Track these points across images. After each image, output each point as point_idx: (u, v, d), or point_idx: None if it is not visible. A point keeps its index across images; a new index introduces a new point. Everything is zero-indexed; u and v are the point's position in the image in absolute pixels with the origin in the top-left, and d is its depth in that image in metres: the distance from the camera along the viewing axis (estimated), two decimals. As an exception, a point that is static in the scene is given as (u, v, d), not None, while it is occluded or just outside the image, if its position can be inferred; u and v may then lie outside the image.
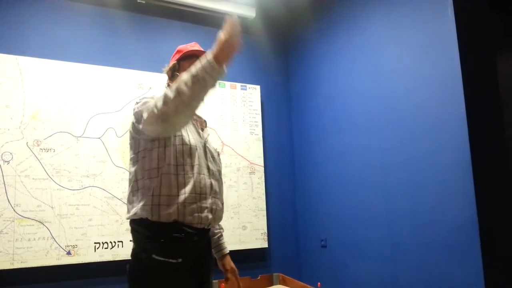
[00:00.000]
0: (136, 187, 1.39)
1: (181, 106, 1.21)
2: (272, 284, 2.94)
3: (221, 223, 1.69)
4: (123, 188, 2.59)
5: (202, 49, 1.60)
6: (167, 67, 1.61)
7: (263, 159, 3.10)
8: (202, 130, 1.61)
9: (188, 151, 1.40)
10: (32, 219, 2.33)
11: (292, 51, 3.38)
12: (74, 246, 2.40)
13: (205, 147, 1.52)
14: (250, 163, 3.04)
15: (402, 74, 2.21)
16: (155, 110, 1.24)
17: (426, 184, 2.02)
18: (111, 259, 2.48)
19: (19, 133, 2.37)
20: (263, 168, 3.09)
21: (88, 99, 2.58)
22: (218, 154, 1.61)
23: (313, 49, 3.07)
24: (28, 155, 2.37)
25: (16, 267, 2.25)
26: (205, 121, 1.68)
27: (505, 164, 1.87)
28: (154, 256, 1.29)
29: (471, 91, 1.85)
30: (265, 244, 2.98)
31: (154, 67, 2.85)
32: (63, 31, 2.64)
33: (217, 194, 1.48)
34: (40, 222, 2.34)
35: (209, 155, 1.52)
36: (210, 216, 1.42)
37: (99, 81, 2.63)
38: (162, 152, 1.37)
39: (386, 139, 2.30)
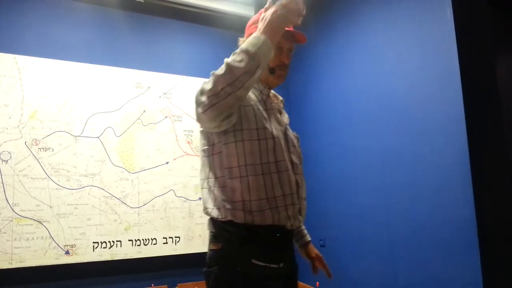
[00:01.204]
0: (215, 184, 1.23)
1: (232, 85, 1.06)
2: (271, 284, 2.93)
3: None
4: (121, 188, 2.58)
5: (292, 29, 1.29)
6: (243, 40, 1.31)
7: (262, 159, 3.09)
8: (281, 113, 1.36)
9: (272, 146, 1.20)
10: (31, 219, 2.32)
11: (291, 50, 3.37)
12: (72, 246, 2.40)
13: (285, 135, 1.30)
14: (249, 162, 3.03)
15: (401, 73, 2.20)
16: (202, 99, 1.10)
17: (425, 184, 2.01)
18: (110, 259, 2.48)
19: (17, 132, 2.37)
20: (262, 168, 3.08)
21: (86, 98, 2.58)
22: (298, 140, 1.38)
23: (313, 49, 3.06)
24: (26, 154, 2.37)
25: (14, 267, 2.25)
26: (282, 100, 1.42)
27: (504, 164, 1.87)
28: (254, 261, 1.15)
29: (470, 90, 1.84)
30: (264, 244, 2.98)
31: (153, 66, 2.85)
32: (61, 30, 2.63)
33: (301, 189, 1.30)
34: (38, 221, 2.34)
35: (290, 144, 1.30)
36: (300, 218, 1.29)
37: (97, 80, 2.63)
38: (241, 147, 1.18)
39: (385, 138, 2.30)
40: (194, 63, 3.02)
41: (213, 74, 1.09)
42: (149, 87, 2.78)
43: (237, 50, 1.10)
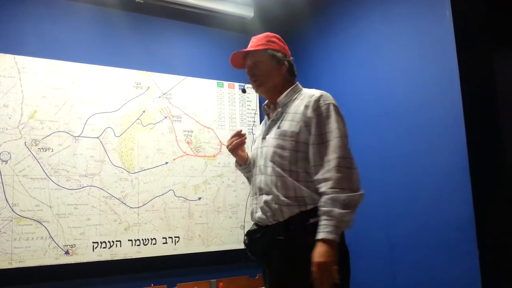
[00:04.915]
0: None
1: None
2: (270, 284, 2.93)
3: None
4: (121, 188, 2.59)
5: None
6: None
7: (261, 159, 3.10)
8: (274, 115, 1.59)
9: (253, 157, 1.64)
10: (31, 219, 2.33)
11: (290, 51, 3.37)
12: (72, 246, 2.40)
13: (264, 140, 1.57)
14: (249, 162, 3.04)
15: (400, 74, 2.21)
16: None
17: (424, 184, 2.03)
18: (110, 259, 2.48)
19: (17, 132, 2.37)
20: (261, 168, 3.08)
21: (86, 99, 2.58)
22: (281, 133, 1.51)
23: (311, 49, 3.07)
24: (26, 154, 2.37)
25: (14, 267, 2.25)
26: (277, 102, 1.58)
27: (502, 164, 1.88)
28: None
29: (469, 91, 1.85)
30: (263, 244, 2.98)
31: (152, 67, 2.85)
32: (61, 31, 2.63)
33: (262, 190, 1.52)
34: (38, 221, 2.34)
35: (263, 151, 1.56)
36: (258, 214, 1.53)
37: (97, 80, 2.63)
38: None
39: (384, 139, 2.31)
40: (193, 63, 3.03)
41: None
42: (148, 87, 2.78)
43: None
